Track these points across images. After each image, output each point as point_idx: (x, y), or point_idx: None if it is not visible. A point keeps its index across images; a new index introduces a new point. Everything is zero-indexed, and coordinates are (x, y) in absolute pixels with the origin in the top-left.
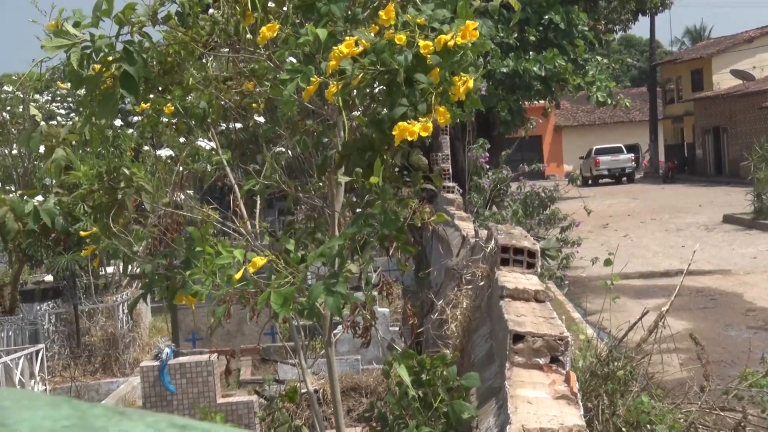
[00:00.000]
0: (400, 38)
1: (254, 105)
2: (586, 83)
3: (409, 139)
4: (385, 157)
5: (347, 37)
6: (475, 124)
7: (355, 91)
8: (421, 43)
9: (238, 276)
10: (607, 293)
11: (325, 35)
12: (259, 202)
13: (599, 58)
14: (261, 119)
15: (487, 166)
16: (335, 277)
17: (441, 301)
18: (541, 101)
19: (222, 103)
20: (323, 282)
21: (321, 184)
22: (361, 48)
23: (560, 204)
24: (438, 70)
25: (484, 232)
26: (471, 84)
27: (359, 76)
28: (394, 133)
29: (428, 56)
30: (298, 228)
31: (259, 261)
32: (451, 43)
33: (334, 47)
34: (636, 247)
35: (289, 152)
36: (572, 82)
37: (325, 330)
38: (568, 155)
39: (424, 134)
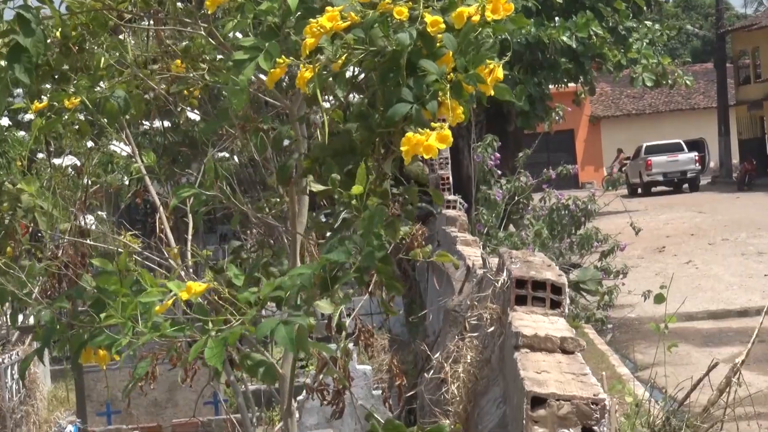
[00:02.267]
0: (401, 11)
1: (187, 93)
2: (629, 60)
3: (425, 156)
4: (370, 164)
5: (328, 8)
6: (485, 117)
7: (333, 77)
8: (428, 18)
9: (162, 308)
10: (660, 340)
11: (296, 2)
12: (191, 223)
13: (648, 24)
14: (196, 115)
15: (499, 172)
16: (296, 308)
17: (438, 355)
18: (572, 84)
19: (144, 93)
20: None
21: (278, 199)
22: (348, 22)
23: (599, 221)
24: (451, 54)
25: (494, 261)
26: (500, 73)
27: (342, 58)
28: (403, 148)
29: (438, 36)
30: (247, 258)
31: (197, 286)
32: (476, 18)
33: (311, 20)
34: (703, 278)
35: (236, 158)
36: (612, 59)
37: (284, 395)
38: (610, 155)
39: (441, 146)
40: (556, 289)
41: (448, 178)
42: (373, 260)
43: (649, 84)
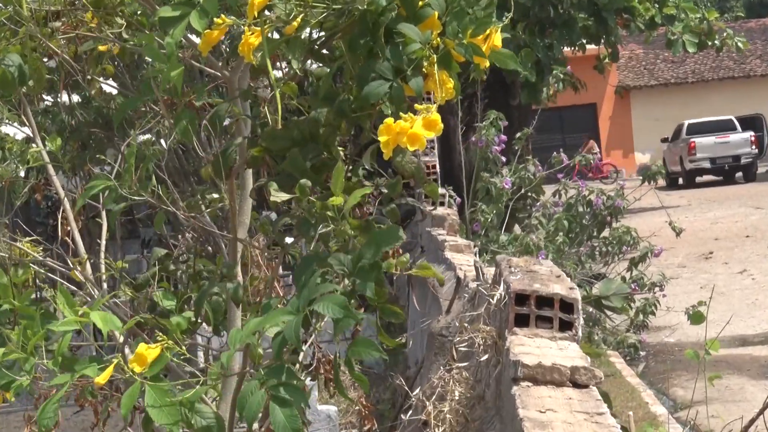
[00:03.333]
0: None
1: (103, 48)
2: (664, 17)
3: (410, 148)
4: (342, 154)
5: None
6: (481, 87)
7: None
8: None
9: (102, 378)
10: (701, 370)
11: None
12: (105, 225)
13: None
14: (112, 87)
15: (503, 159)
16: (279, 372)
17: (419, 390)
18: (592, 47)
19: (45, 59)
20: (258, 377)
21: (216, 195)
22: None
23: (630, 220)
24: (436, 17)
25: (492, 271)
26: (498, 40)
27: (298, 19)
28: (382, 139)
29: None
30: (176, 270)
31: (149, 352)
32: None
33: None
34: (762, 291)
35: (163, 143)
36: (643, 13)
37: None
38: (643, 136)
39: (429, 135)
40: (567, 306)
41: (434, 167)
42: (369, 286)
43: (691, 49)
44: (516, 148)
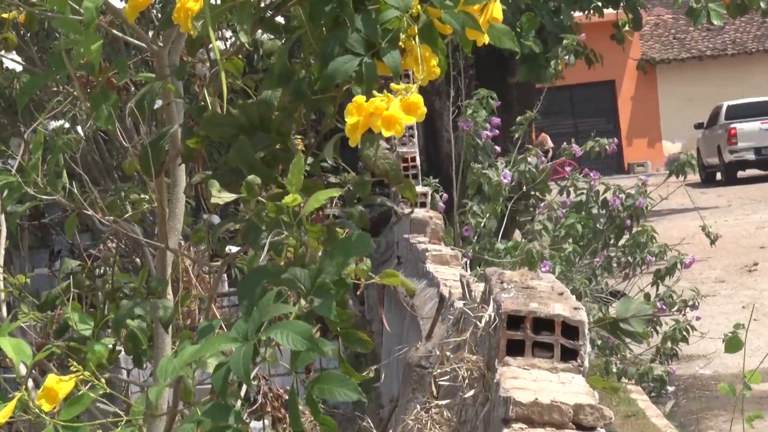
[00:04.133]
0: None
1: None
2: None
3: (385, 133)
4: (298, 145)
5: None
6: (473, 63)
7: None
8: None
9: (2, 417)
10: (738, 408)
11: None
12: (3, 231)
13: None
14: (16, 63)
15: (497, 147)
16: (221, 412)
17: None
18: (610, 10)
19: None
20: (192, 418)
21: (143, 195)
22: None
23: (656, 223)
24: None
25: (480, 287)
26: (499, 11)
27: None
28: (349, 120)
29: None
30: (92, 286)
31: (60, 386)
32: None
33: None
34: None
35: (80, 131)
36: None
37: None
38: (673, 121)
39: (409, 120)
40: (571, 331)
41: (413, 159)
42: (330, 308)
43: (716, 21)
44: (516, 136)
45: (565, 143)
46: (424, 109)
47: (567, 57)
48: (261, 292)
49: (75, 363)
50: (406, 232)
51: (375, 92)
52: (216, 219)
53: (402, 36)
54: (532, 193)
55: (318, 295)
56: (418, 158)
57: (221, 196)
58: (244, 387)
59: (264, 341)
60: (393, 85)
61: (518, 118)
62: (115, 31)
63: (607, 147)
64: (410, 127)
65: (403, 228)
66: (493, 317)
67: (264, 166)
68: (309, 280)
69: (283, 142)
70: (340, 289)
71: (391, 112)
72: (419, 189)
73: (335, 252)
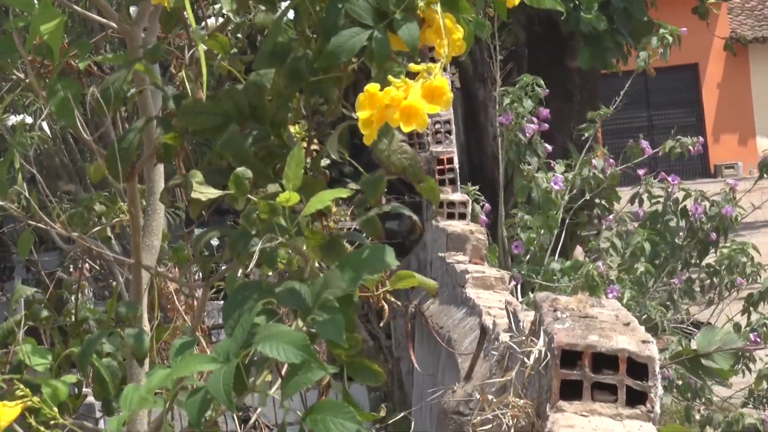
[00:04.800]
0: None
1: None
2: None
3: (405, 129)
4: (301, 138)
5: None
6: (526, 41)
7: None
8: None
9: None
10: None
11: None
12: None
13: None
14: None
15: (549, 147)
16: None
17: None
18: None
19: None
20: None
21: (114, 205)
22: None
23: (749, 236)
24: None
25: (529, 316)
26: None
27: None
28: (361, 115)
29: None
30: (49, 318)
31: (5, 412)
32: None
33: None
34: None
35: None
36: None
37: None
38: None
39: (433, 110)
40: (639, 369)
41: (451, 160)
42: (338, 329)
43: None
44: (583, 136)
45: (631, 140)
46: (451, 95)
47: (661, 50)
48: (249, 309)
49: (21, 386)
50: (441, 249)
51: (390, 77)
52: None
53: (420, 3)
54: (597, 201)
55: (321, 314)
56: (456, 159)
57: (204, 191)
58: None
59: (253, 363)
60: (412, 66)
61: (588, 115)
62: (76, 7)
63: (690, 148)
64: (447, 122)
65: (438, 245)
66: (543, 353)
67: (258, 162)
68: (309, 294)
69: (277, 135)
70: (348, 307)
71: (410, 102)
72: (457, 197)
73: (345, 266)
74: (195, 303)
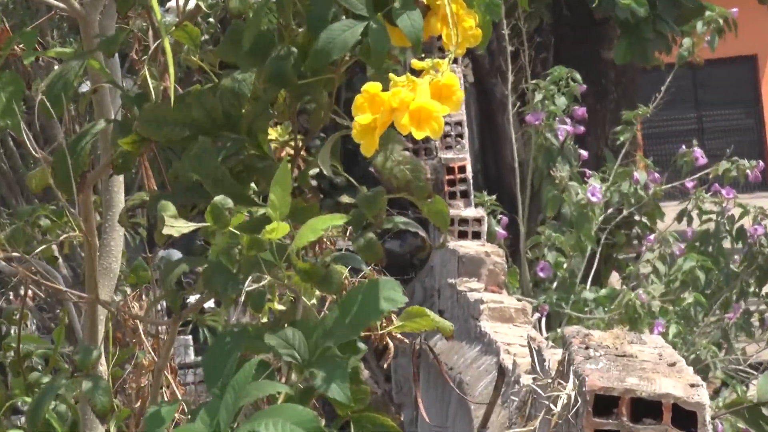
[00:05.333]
0: None
1: None
2: None
3: (417, 135)
4: (282, 143)
5: None
6: (551, 27)
7: None
8: None
9: None
10: None
11: None
12: None
13: None
14: None
15: (584, 152)
16: None
17: None
18: None
19: None
20: None
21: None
22: None
23: None
24: None
25: (556, 354)
26: None
27: None
28: (358, 117)
29: None
30: None
31: None
32: None
33: None
34: None
35: None
36: None
37: None
38: None
39: (444, 111)
40: (686, 418)
41: (463, 169)
42: (341, 386)
43: None
44: (618, 140)
45: (683, 146)
46: (461, 94)
47: (707, 37)
48: (236, 362)
49: None
50: (452, 275)
51: (392, 75)
52: (176, 254)
53: None
54: (637, 218)
55: (322, 367)
56: (469, 168)
57: (176, 225)
58: None
59: None
60: (415, 63)
61: (623, 115)
62: None
63: (749, 172)
64: (458, 123)
65: (447, 270)
66: (573, 398)
67: (235, 180)
68: (306, 344)
69: (258, 146)
70: (352, 356)
71: (422, 103)
72: (471, 213)
73: (347, 306)
74: (161, 340)
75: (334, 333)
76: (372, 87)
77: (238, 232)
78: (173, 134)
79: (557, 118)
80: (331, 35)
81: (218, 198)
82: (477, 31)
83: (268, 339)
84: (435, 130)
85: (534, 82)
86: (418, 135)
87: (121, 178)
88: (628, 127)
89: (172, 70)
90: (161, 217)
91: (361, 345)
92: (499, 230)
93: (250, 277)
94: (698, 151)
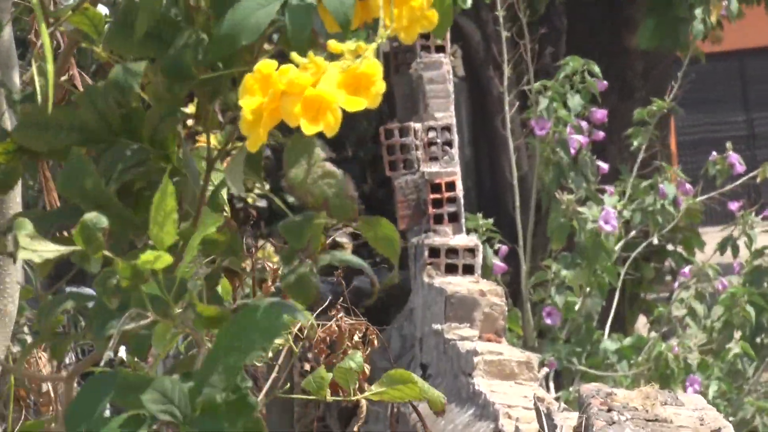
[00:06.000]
0: None
1: None
2: None
3: (307, 130)
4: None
5: None
6: (563, 14)
7: None
8: None
9: None
10: None
11: None
12: None
13: None
14: None
15: (604, 165)
16: None
17: None
18: None
19: None
20: None
21: None
22: None
23: None
24: None
25: (570, 419)
26: None
27: None
28: (244, 101)
29: None
30: None
31: None
32: None
33: None
34: None
35: None
36: None
37: None
38: None
39: (355, 106)
40: None
41: (452, 186)
42: None
43: None
44: (635, 143)
45: (713, 153)
46: (382, 86)
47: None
48: (101, 417)
49: None
50: (438, 320)
51: (294, 53)
52: (88, 291)
53: None
54: (669, 247)
55: (202, 425)
56: (459, 184)
57: (37, 249)
58: None
59: None
60: (332, 45)
61: (636, 113)
62: None
63: None
64: (445, 128)
65: (432, 312)
66: None
67: (122, 202)
68: (186, 397)
69: (165, 158)
70: (243, 409)
71: (320, 91)
72: (462, 241)
73: (221, 342)
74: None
75: (210, 379)
76: (266, 66)
77: (116, 258)
78: (57, 141)
79: (569, 126)
80: (238, 16)
81: (89, 216)
82: (430, 12)
83: (144, 393)
84: (330, 125)
85: (541, 82)
86: (309, 129)
87: (17, 197)
88: (641, 129)
89: (50, 64)
90: (15, 239)
91: (252, 399)
92: (497, 263)
93: (129, 313)
94: (734, 157)
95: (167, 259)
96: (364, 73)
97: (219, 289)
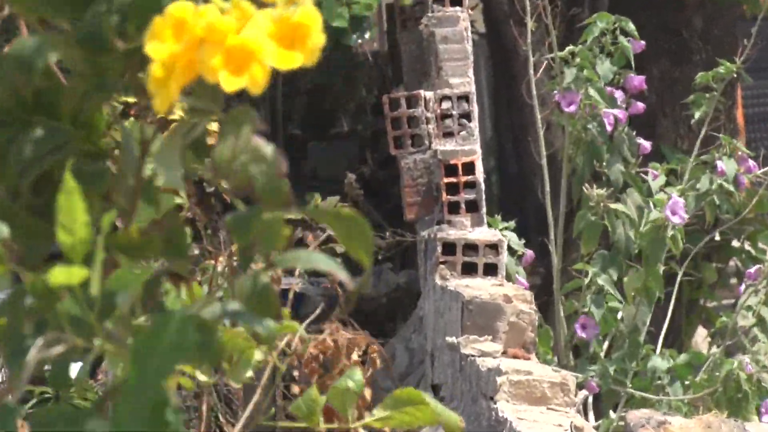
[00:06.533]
0: None
1: None
2: None
3: (227, 87)
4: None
5: None
6: None
7: None
8: None
9: None
10: None
11: None
12: None
13: None
14: None
15: (646, 144)
16: None
17: None
18: None
19: None
20: None
21: None
22: None
23: None
24: None
25: None
26: None
27: None
28: (152, 48)
29: None
30: None
31: None
32: None
33: None
34: None
35: None
36: None
37: None
38: None
39: (288, 63)
40: None
41: (470, 168)
42: None
43: None
44: (696, 116)
45: None
46: (321, 39)
47: None
48: None
49: None
50: (453, 330)
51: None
52: None
53: None
54: (734, 244)
55: None
56: (480, 165)
57: None
58: None
59: None
60: None
61: (698, 77)
62: None
63: None
64: (462, 97)
65: (446, 321)
66: None
67: (41, 199)
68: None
69: (91, 141)
70: None
71: (244, 39)
72: (482, 235)
73: (137, 357)
74: None
75: (126, 416)
76: (180, 9)
77: (31, 274)
78: None
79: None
80: None
81: None
82: None
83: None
84: (255, 80)
85: (569, 49)
86: (230, 84)
87: None
88: (704, 96)
89: None
90: None
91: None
92: (527, 251)
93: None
94: None
95: (80, 272)
96: (299, 23)
97: (183, 295)
